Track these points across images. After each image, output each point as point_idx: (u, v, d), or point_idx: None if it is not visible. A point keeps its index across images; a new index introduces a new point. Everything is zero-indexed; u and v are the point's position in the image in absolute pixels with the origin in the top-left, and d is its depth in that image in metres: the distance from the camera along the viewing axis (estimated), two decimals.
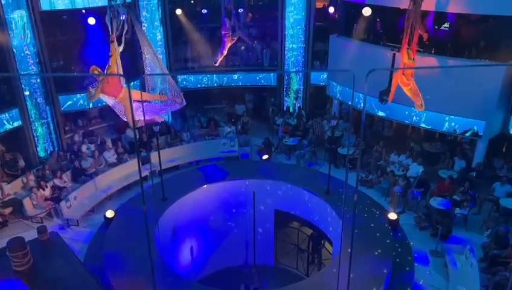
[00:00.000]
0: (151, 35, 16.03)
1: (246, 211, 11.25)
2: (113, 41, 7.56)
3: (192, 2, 17.55)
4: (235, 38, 11.65)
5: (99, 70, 7.71)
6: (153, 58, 8.14)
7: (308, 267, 11.96)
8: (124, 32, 7.80)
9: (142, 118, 7.81)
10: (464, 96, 11.74)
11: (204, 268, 11.57)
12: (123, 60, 8.11)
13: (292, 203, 11.18)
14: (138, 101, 7.71)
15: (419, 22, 9.83)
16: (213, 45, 16.08)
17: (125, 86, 7.70)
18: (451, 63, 11.96)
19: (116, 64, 7.65)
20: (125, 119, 8.27)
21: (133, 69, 14.83)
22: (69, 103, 14.78)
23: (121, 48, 7.95)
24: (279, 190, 11.17)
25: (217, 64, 12.08)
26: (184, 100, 8.58)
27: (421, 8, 9.77)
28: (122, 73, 7.92)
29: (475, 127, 12.05)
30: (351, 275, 5.67)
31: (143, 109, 7.23)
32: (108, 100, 7.99)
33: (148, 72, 8.20)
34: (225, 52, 11.68)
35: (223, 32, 11.35)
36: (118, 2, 7.47)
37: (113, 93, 7.64)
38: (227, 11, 11.30)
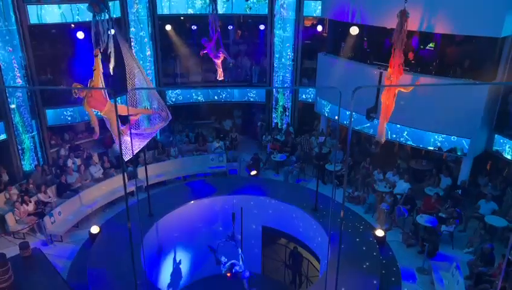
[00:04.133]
0: (141, 51, 16.08)
1: (233, 227, 11.16)
2: (97, 56, 7.59)
3: (182, 18, 17.69)
4: (219, 56, 11.94)
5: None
6: (139, 74, 8.21)
7: (295, 285, 11.85)
8: (109, 48, 7.82)
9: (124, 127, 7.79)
10: (450, 114, 11.91)
11: (188, 281, 11.41)
12: (114, 75, 8.15)
13: (280, 220, 11.14)
14: (124, 116, 7.74)
15: (401, 41, 9.84)
16: (202, 61, 16.18)
17: (110, 100, 7.71)
18: (436, 82, 12.19)
19: (99, 78, 7.65)
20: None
21: (124, 85, 14.85)
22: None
23: (111, 64, 8.00)
24: (267, 206, 11.14)
25: (220, 79, 12.36)
26: (170, 115, 8.71)
27: (406, 28, 9.93)
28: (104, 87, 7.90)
29: (461, 145, 12.25)
30: None
31: (130, 134, 7.28)
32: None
33: (137, 87, 8.22)
34: (219, 69, 12.08)
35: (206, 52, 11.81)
36: (103, 18, 7.48)
37: (98, 107, 7.68)
38: (215, 29, 11.51)
